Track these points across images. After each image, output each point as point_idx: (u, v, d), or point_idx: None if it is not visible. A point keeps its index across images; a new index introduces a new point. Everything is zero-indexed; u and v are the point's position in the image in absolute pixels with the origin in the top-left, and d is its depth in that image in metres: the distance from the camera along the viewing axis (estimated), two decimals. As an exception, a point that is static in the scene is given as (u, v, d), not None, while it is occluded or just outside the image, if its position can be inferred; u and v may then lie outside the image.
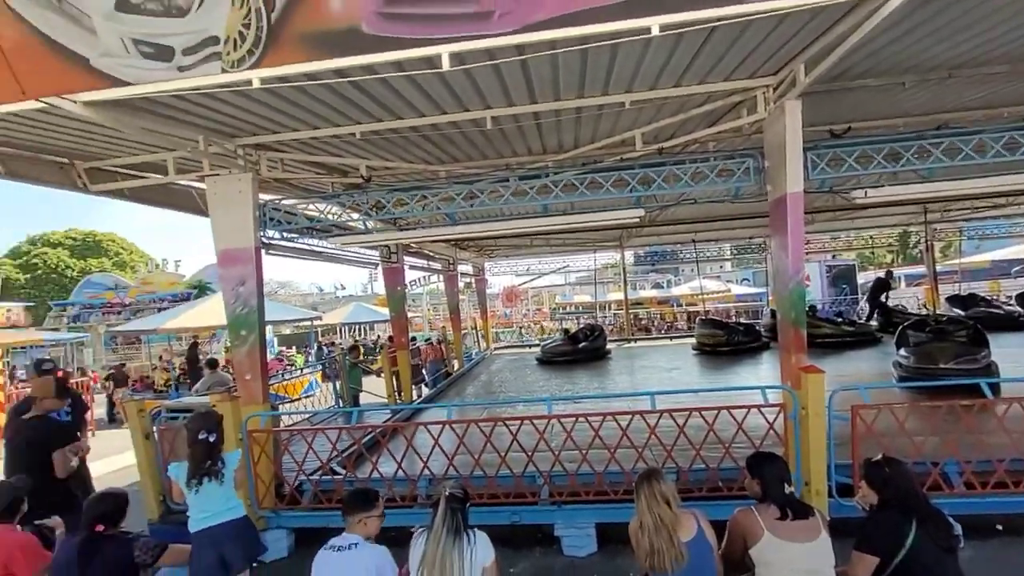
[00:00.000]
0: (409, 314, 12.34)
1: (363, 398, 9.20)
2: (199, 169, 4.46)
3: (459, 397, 8.75)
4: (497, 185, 4.96)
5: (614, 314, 25.79)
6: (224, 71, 2.56)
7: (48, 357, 5.73)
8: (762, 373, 8.55)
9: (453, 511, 2.35)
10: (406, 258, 8.74)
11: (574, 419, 4.06)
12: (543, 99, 4.04)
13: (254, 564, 3.25)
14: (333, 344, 20.11)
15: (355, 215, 5.66)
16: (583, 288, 36.38)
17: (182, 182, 4.69)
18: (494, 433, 4.19)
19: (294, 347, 23.04)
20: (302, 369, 14.12)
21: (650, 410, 3.97)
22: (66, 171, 4.54)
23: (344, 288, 43.11)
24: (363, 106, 3.92)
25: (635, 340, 15.67)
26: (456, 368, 11.91)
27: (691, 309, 22.43)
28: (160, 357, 16.22)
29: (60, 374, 4.25)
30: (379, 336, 22.89)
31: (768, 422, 3.93)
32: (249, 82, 2.72)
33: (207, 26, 2.47)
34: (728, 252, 19.39)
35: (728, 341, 10.79)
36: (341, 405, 8.37)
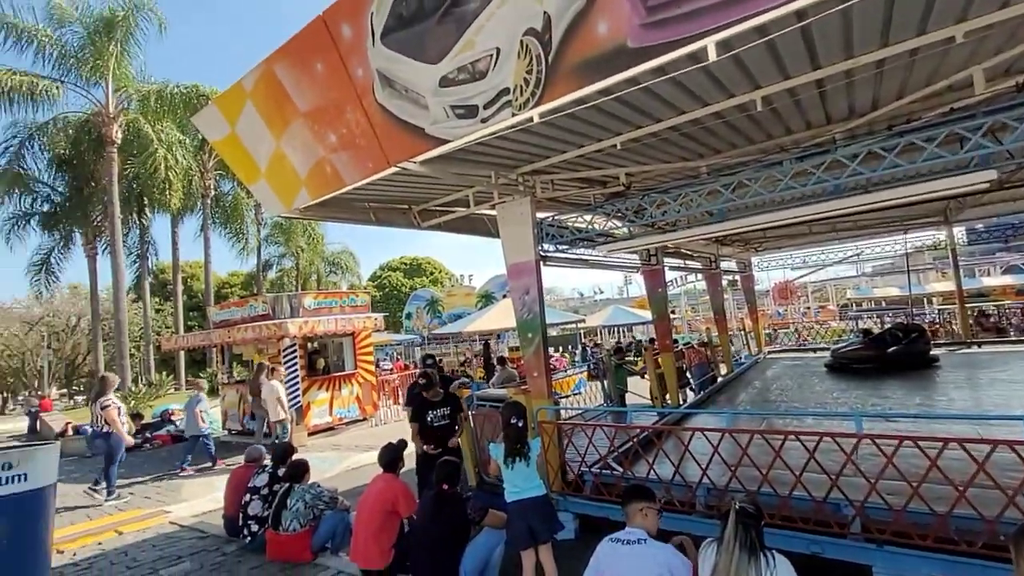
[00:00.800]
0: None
1: (628, 398, 9.41)
2: (490, 199, 5.35)
3: (731, 404, 8.10)
4: (771, 170, 4.45)
5: (938, 310, 19.84)
6: (514, 114, 3.04)
7: (431, 353, 7.69)
8: None
9: (746, 527, 2.21)
10: (665, 259, 8.59)
11: (898, 442, 3.30)
12: (829, 61, 3.46)
13: (555, 537, 3.64)
14: (597, 345, 21.15)
15: (617, 222, 5.88)
16: (886, 279, 29.19)
17: (479, 211, 5.72)
18: (783, 448, 3.75)
19: (559, 348, 25.17)
20: (566, 369, 15.31)
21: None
22: (406, 215, 6.08)
23: (602, 292, 45.03)
24: (624, 117, 4.07)
25: (977, 344, 11.73)
26: (724, 373, 11.06)
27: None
28: (464, 354, 19.98)
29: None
30: (633, 339, 23.05)
31: None
32: (531, 119, 3.15)
33: (501, 80, 2.98)
34: None
35: None
36: (608, 403, 8.75)
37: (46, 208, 22.19)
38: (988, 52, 3.51)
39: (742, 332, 14.78)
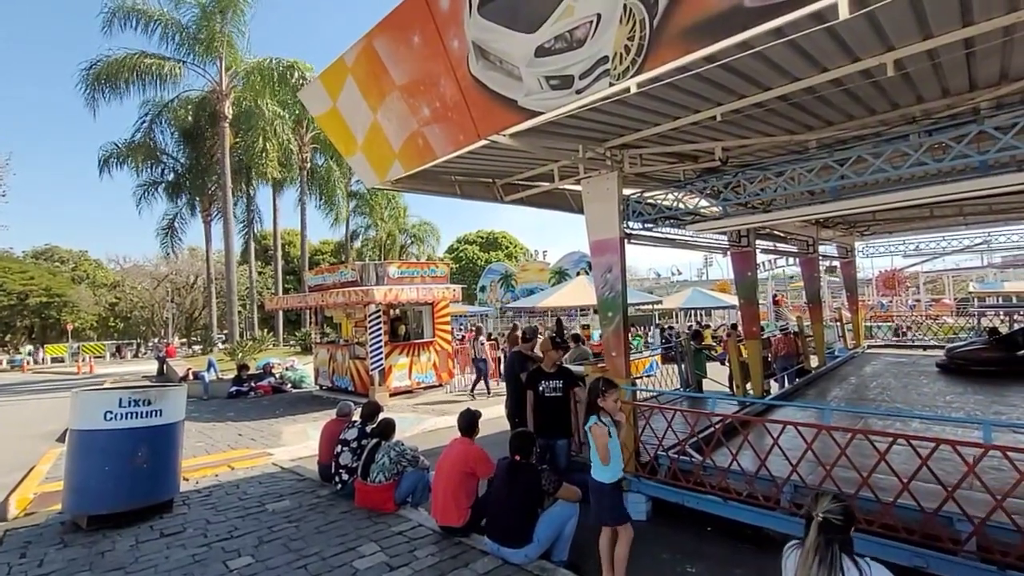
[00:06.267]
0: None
1: (706, 385, 9.06)
2: (575, 174, 5.25)
3: (821, 399, 7.53)
4: (896, 144, 3.97)
5: (1090, 311, 16.97)
6: (611, 84, 2.92)
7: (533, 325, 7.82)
8: None
9: (828, 540, 2.04)
10: (757, 241, 8.04)
11: (1035, 456, 2.91)
12: (984, 16, 2.97)
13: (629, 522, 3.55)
14: (671, 328, 20.47)
15: (708, 200, 5.56)
16: (1020, 272, 25.39)
17: (562, 186, 5.64)
18: (889, 452, 3.44)
19: (633, 328, 24.63)
20: (640, 351, 14.96)
21: None
22: (490, 188, 6.14)
23: (680, 273, 43.18)
24: (728, 85, 3.78)
25: None
26: (815, 365, 10.29)
27: None
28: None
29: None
30: (708, 323, 21.95)
31: None
32: (627, 89, 3.02)
33: (600, 48, 2.86)
34: None
35: None
36: (686, 388, 8.47)
37: (171, 178, 24.93)
38: None
39: (837, 323, 13.60)
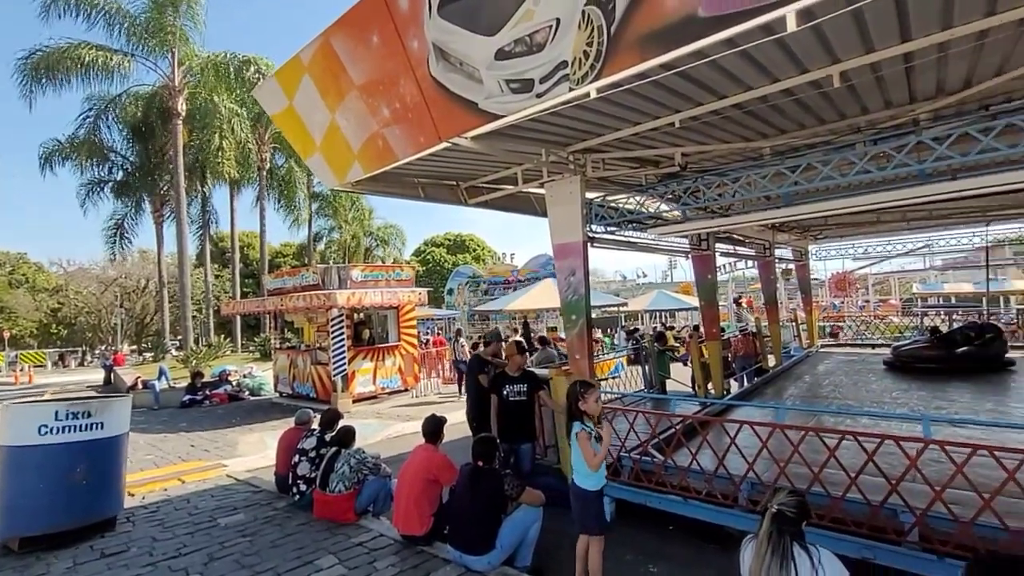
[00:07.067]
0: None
1: (669, 385, 9.23)
2: (539, 177, 5.27)
3: (778, 398, 7.80)
4: (844, 153, 4.15)
5: (1017, 310, 18.30)
6: (571, 89, 2.93)
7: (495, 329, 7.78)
8: None
9: (780, 531, 2.12)
10: (717, 245, 8.26)
11: (971, 450, 3.07)
12: (923, 32, 3.14)
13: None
14: (636, 330, 20.82)
15: (669, 205, 5.67)
16: (958, 273, 27.07)
17: (526, 190, 5.64)
18: (838, 448, 3.57)
19: (599, 331, 24.95)
20: (605, 352, 15.16)
21: None
22: (454, 191, 6.09)
23: (645, 276, 44.12)
24: (685, 93, 3.87)
25: (1064, 349, 10.76)
26: (773, 365, 10.65)
27: None
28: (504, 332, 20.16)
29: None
30: (673, 325, 22.47)
31: None
32: (587, 94, 3.04)
33: (559, 53, 2.87)
34: None
35: None
36: (649, 390, 8.61)
37: (119, 176, 23.71)
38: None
39: (793, 324, 14.15)
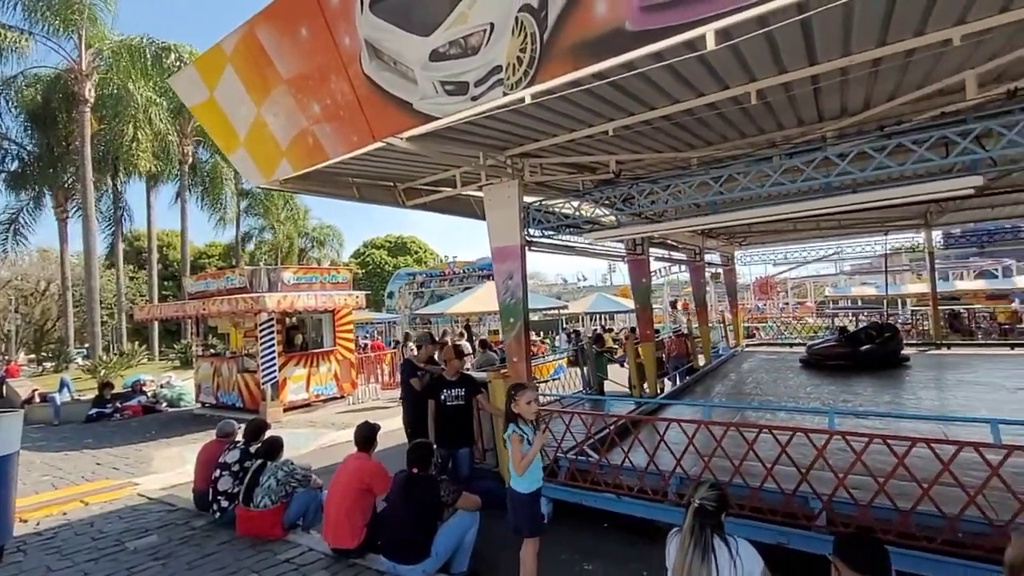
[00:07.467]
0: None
1: (607, 386, 9.50)
2: (478, 180, 5.25)
3: (707, 395, 8.22)
4: (760, 166, 4.44)
5: (911, 311, 20.36)
6: (505, 94, 2.94)
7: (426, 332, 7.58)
8: None
9: (702, 525, 2.23)
10: (651, 250, 8.60)
11: (867, 439, 3.37)
12: (826, 57, 3.42)
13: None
14: (577, 333, 21.28)
15: (605, 210, 5.84)
16: (864, 278, 29.77)
17: (465, 192, 5.61)
18: (756, 441, 3.82)
19: (540, 334, 25.27)
20: (544, 355, 15.39)
21: (994, 444, 3.01)
22: (391, 192, 5.95)
23: (586, 279, 45.22)
24: (617, 103, 3.99)
25: (947, 346, 12.09)
26: (702, 364, 11.23)
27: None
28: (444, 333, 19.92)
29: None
30: (612, 327, 23.19)
31: None
32: (522, 99, 3.07)
33: (493, 57, 2.87)
34: None
35: None
36: (588, 391, 8.81)
37: (14, 167, 21.29)
38: (983, 57, 3.51)
39: (722, 324, 15.00)
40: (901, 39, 3.20)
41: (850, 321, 18.02)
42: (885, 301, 19.29)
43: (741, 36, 2.71)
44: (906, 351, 10.17)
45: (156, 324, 23.15)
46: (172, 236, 33.22)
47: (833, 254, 17.52)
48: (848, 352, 9.68)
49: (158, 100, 19.98)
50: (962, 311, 17.26)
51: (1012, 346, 11.66)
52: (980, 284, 21.62)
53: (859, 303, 24.66)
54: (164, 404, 12.58)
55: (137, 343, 21.80)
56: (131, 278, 31.45)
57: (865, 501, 3.34)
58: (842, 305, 25.71)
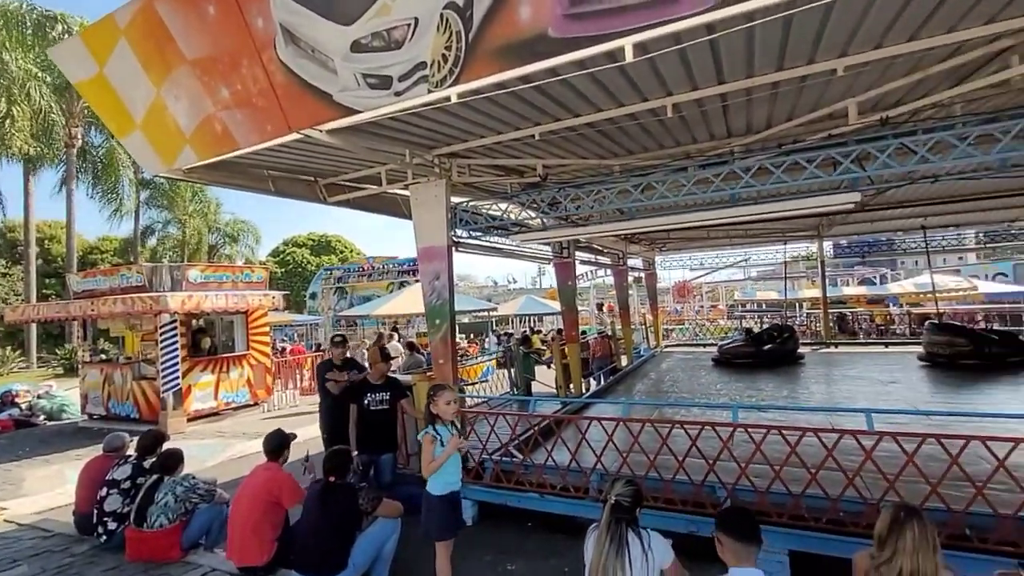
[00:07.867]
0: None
1: (534, 387, 9.63)
2: (404, 179, 5.13)
3: (628, 394, 8.58)
4: (676, 175, 4.70)
5: (807, 314, 22.53)
6: (430, 91, 2.89)
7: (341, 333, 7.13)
8: (1029, 397, 6.62)
9: (618, 521, 2.31)
10: (577, 253, 8.84)
11: (765, 431, 3.66)
12: (733, 77, 3.70)
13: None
14: (507, 334, 21.43)
15: (532, 213, 5.91)
16: (767, 284, 32.51)
17: (391, 191, 5.46)
18: (670, 436, 4.02)
19: (471, 335, 25.21)
20: (477, 356, 15.37)
21: (868, 431, 3.38)
22: (312, 187, 5.66)
23: (515, 281, 45.79)
24: (543, 108, 4.06)
25: (835, 345, 13.49)
26: (624, 364, 11.71)
27: (918, 311, 18.35)
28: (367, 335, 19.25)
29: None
30: (540, 328, 23.63)
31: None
32: (448, 98, 3.03)
33: (417, 53, 2.81)
34: (972, 240, 15.45)
35: (974, 352, 8.59)
36: (515, 391, 8.88)
37: None
38: (862, 87, 3.95)
39: (643, 326, 15.74)
40: (795, 65, 3.52)
41: (756, 323, 19.62)
42: (784, 305, 21.17)
43: (657, 51, 2.85)
44: (802, 350, 11.23)
45: (34, 327, 20.47)
46: (56, 228, 29.49)
47: (742, 261, 19.01)
48: (753, 351, 10.51)
49: (40, 74, 17.74)
50: (848, 314, 19.34)
51: (887, 344, 13.25)
52: (862, 290, 24.40)
53: (763, 306, 26.93)
54: (42, 417, 11.11)
55: (10, 348, 19.15)
56: (3, 274, 27.59)
57: (763, 488, 3.62)
58: (749, 308, 27.93)
